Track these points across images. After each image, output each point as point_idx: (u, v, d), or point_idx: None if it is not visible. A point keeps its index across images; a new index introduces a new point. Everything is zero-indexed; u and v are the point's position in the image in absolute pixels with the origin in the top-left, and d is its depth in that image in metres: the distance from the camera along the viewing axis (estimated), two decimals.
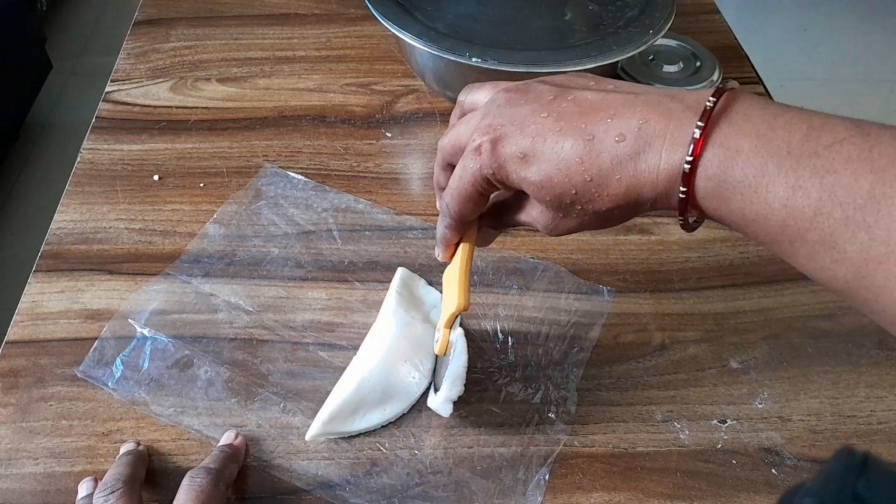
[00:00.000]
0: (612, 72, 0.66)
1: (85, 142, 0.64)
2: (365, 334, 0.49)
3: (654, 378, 0.48)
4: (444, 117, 0.67)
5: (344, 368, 0.47)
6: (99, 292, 0.52)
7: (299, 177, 0.61)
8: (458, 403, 0.46)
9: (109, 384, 0.47)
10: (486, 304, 0.52)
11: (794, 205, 0.27)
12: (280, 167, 0.62)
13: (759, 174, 0.28)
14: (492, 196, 0.39)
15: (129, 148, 0.63)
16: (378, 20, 0.61)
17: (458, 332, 0.45)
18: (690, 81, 0.67)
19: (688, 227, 0.34)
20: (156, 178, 0.61)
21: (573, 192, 0.33)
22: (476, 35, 0.60)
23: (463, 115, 0.39)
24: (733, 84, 0.32)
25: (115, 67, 0.72)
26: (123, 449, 0.43)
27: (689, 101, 0.31)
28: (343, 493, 0.42)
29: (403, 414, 0.46)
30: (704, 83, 0.67)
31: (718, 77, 0.68)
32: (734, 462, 0.44)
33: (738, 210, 0.29)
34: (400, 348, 0.47)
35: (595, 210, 0.33)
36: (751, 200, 0.29)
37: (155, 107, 0.68)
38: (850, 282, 0.27)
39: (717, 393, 0.48)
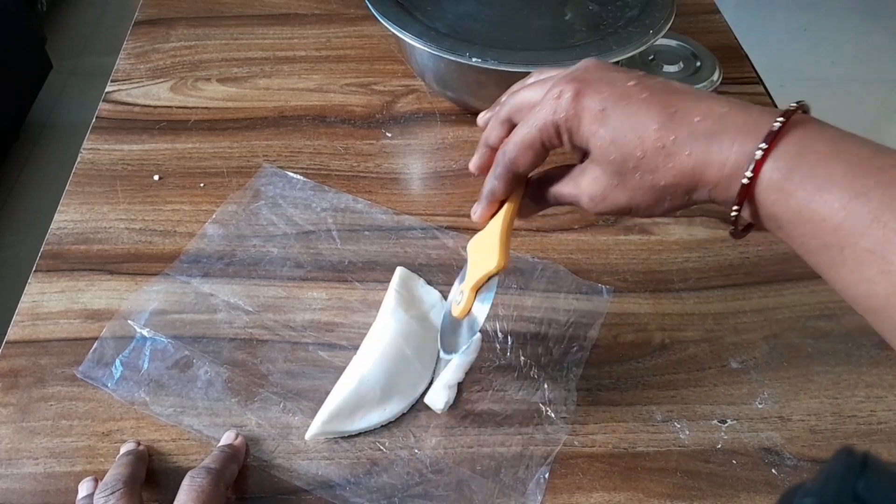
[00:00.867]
0: None
1: (85, 142, 0.64)
2: (364, 334, 0.49)
3: (654, 378, 0.48)
4: (444, 117, 0.67)
5: (344, 368, 0.47)
6: (99, 292, 0.52)
7: (298, 177, 0.61)
8: (458, 403, 0.47)
9: (109, 385, 0.47)
10: None
11: (853, 209, 0.28)
12: (280, 167, 0.62)
13: (827, 175, 0.29)
14: (535, 171, 0.39)
15: (130, 148, 0.63)
16: (378, 20, 0.61)
17: (476, 337, 0.45)
18: (690, 81, 0.67)
19: (737, 232, 0.34)
20: (156, 178, 0.61)
21: (640, 155, 0.33)
22: (476, 35, 0.60)
23: (510, 114, 0.39)
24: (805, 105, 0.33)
25: (115, 67, 0.72)
26: (123, 449, 0.43)
27: (766, 110, 0.33)
28: (343, 493, 0.42)
29: (403, 413, 0.46)
30: (704, 83, 0.67)
31: (718, 77, 0.68)
32: (734, 462, 0.44)
33: (796, 207, 0.30)
34: (399, 348, 0.47)
35: (654, 183, 0.34)
36: (812, 198, 0.29)
37: (155, 107, 0.68)
38: (889, 298, 0.28)
39: (717, 393, 0.48)
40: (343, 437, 0.45)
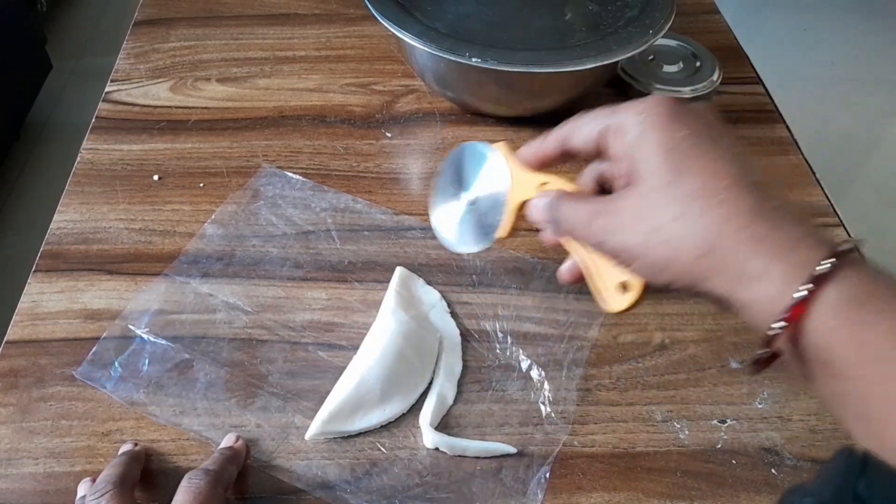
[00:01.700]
0: (612, 72, 0.67)
1: (85, 142, 0.64)
2: (364, 334, 0.49)
3: (654, 378, 0.48)
4: (443, 117, 0.67)
5: (343, 368, 0.47)
6: (99, 292, 0.52)
7: (297, 177, 0.61)
8: (458, 403, 0.47)
9: (108, 387, 0.47)
10: (485, 303, 0.52)
11: None
12: (280, 167, 0.62)
13: None
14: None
15: (129, 148, 0.63)
16: (378, 20, 0.61)
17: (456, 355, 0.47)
18: (690, 81, 0.67)
19: (758, 364, 0.30)
20: (156, 178, 0.61)
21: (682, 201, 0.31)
22: (476, 35, 0.60)
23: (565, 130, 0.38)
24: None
25: (115, 67, 0.72)
26: (122, 449, 0.43)
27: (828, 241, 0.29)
28: (343, 494, 0.42)
29: (403, 414, 0.46)
30: (704, 83, 0.67)
31: (718, 77, 0.68)
32: (734, 462, 0.44)
33: (867, 342, 0.26)
34: (399, 348, 0.47)
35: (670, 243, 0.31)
36: (890, 333, 0.26)
37: (155, 107, 0.68)
38: None
39: (717, 393, 0.48)
40: (343, 438, 0.45)
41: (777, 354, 0.29)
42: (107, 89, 0.69)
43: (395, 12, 0.61)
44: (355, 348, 0.49)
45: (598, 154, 0.36)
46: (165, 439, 0.45)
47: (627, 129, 0.33)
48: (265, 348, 0.49)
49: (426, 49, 0.58)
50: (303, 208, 0.58)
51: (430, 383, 0.47)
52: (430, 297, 0.52)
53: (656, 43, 0.60)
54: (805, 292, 0.27)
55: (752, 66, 0.74)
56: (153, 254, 0.55)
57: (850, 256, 0.28)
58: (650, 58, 0.69)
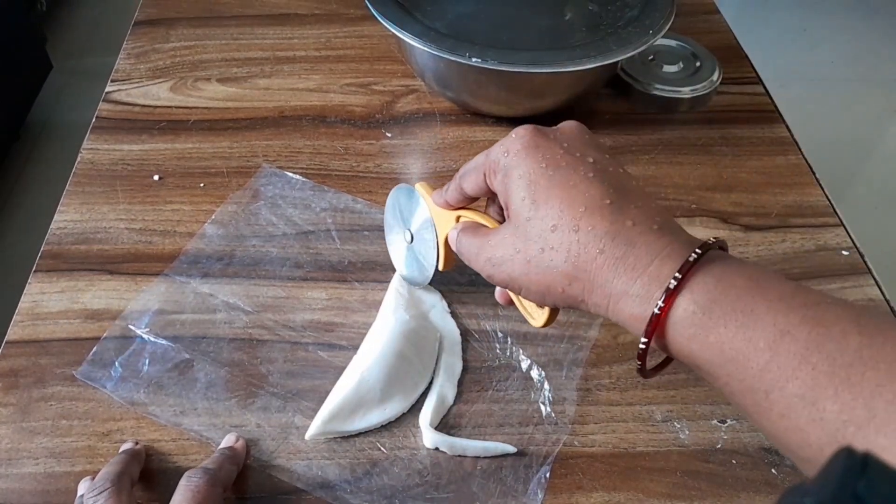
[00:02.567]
0: (612, 72, 0.67)
1: (85, 142, 0.64)
2: (364, 334, 0.49)
3: (654, 378, 0.48)
4: (443, 117, 0.67)
5: (343, 368, 0.47)
6: (99, 292, 0.52)
7: (297, 177, 0.61)
8: (458, 403, 0.47)
9: (108, 387, 0.47)
10: (485, 303, 0.52)
11: (780, 348, 0.26)
12: (280, 167, 0.62)
13: (748, 310, 0.27)
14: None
15: (129, 148, 0.63)
16: (378, 20, 0.61)
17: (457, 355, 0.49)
18: (690, 81, 0.67)
19: (644, 370, 0.33)
20: (156, 178, 0.61)
21: (552, 229, 0.33)
22: (476, 35, 0.60)
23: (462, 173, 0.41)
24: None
25: (115, 67, 0.72)
26: (122, 448, 0.43)
27: (690, 239, 0.31)
28: (343, 494, 0.42)
29: (403, 414, 0.46)
30: (704, 83, 0.67)
31: (718, 77, 0.68)
32: (734, 462, 0.44)
33: (717, 344, 0.28)
34: (399, 348, 0.47)
35: (553, 266, 0.33)
36: (735, 335, 0.27)
37: (155, 107, 0.68)
38: (823, 448, 0.25)
39: (717, 393, 0.48)
40: (343, 438, 0.45)
41: (669, 359, 0.32)
42: (107, 89, 0.69)
43: (395, 12, 0.61)
44: (355, 348, 0.49)
45: (491, 193, 0.39)
46: (166, 439, 0.45)
47: (497, 168, 0.36)
48: (265, 348, 0.49)
49: (426, 49, 0.58)
50: (303, 208, 0.58)
51: (430, 383, 0.47)
52: (431, 296, 0.52)
53: (656, 43, 0.60)
54: (657, 309, 0.29)
55: (752, 66, 0.74)
56: (153, 254, 0.55)
57: (709, 257, 0.29)
58: (650, 58, 0.69)
